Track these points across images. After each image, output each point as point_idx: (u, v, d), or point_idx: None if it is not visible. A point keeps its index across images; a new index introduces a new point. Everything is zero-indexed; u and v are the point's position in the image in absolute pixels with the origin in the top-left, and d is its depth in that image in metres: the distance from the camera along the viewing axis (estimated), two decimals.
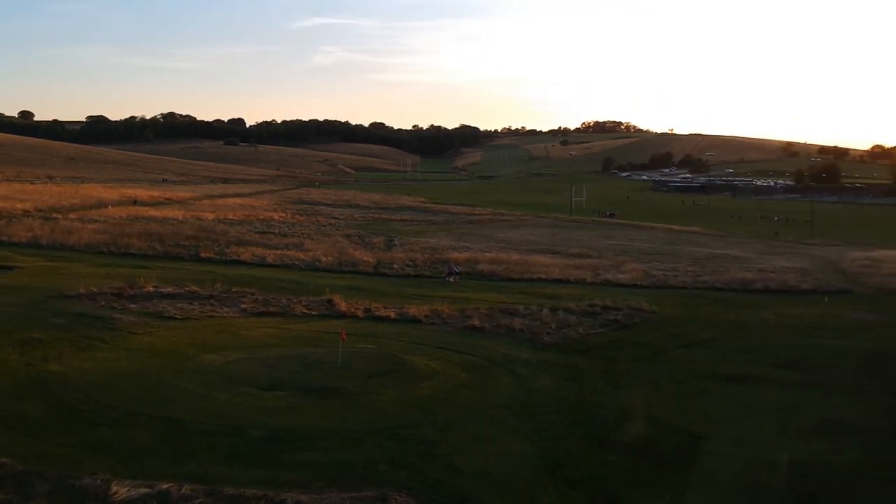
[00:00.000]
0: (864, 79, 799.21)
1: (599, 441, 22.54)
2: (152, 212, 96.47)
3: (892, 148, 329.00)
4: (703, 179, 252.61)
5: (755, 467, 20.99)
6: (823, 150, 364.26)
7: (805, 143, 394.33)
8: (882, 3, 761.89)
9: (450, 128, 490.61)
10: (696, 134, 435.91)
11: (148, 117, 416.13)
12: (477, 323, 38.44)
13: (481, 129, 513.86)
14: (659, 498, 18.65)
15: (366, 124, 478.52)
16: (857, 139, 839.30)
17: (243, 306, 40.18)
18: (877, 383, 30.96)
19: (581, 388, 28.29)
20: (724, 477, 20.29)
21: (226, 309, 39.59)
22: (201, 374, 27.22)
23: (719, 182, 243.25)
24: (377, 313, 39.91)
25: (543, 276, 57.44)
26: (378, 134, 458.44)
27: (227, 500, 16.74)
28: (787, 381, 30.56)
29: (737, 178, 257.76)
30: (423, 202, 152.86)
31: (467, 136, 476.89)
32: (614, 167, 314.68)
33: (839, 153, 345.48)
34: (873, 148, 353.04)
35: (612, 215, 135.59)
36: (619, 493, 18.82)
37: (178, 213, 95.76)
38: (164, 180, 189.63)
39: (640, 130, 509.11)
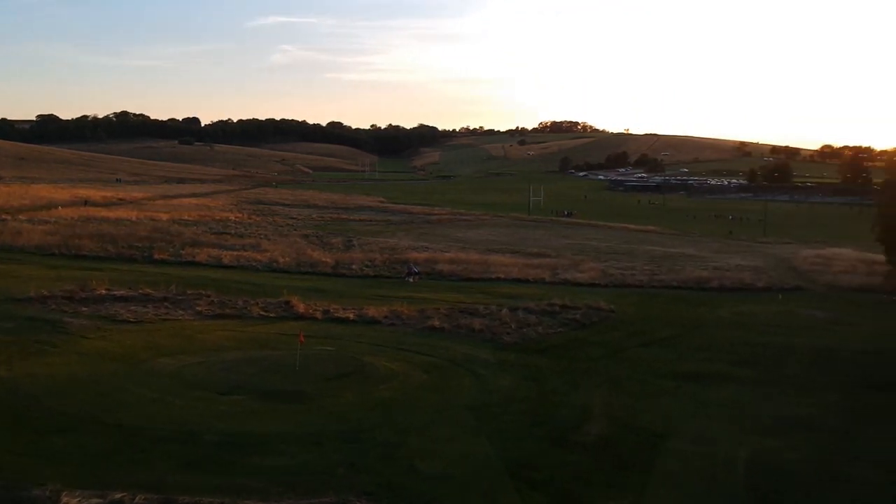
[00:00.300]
0: (814, 80, 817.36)
1: (560, 441, 22.54)
2: (105, 212, 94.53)
3: (841, 148, 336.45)
4: (658, 179, 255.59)
5: (714, 465, 21.16)
6: (775, 149, 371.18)
7: (758, 143, 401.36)
8: (829, 7, 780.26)
9: (408, 127, 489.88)
10: (651, 134, 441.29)
11: (101, 116, 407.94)
12: (437, 323, 38.29)
13: (440, 128, 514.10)
14: (620, 498, 18.67)
15: (323, 124, 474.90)
16: (808, 139, 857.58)
17: (199, 309, 39.48)
18: (828, 380, 31.52)
19: (541, 387, 28.30)
20: (683, 476, 20.40)
21: (181, 311, 38.86)
22: (155, 378, 26.65)
23: (674, 181, 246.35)
24: (336, 314, 39.53)
25: (503, 276, 57.51)
26: (336, 133, 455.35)
27: None
28: (744, 379, 30.96)
29: (691, 178, 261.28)
30: (382, 202, 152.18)
31: (426, 136, 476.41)
32: (571, 167, 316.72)
33: (790, 153, 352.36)
34: (823, 148, 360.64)
35: (569, 214, 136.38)
36: (581, 494, 18.81)
37: (131, 214, 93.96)
38: (118, 180, 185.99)
39: (597, 130, 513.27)
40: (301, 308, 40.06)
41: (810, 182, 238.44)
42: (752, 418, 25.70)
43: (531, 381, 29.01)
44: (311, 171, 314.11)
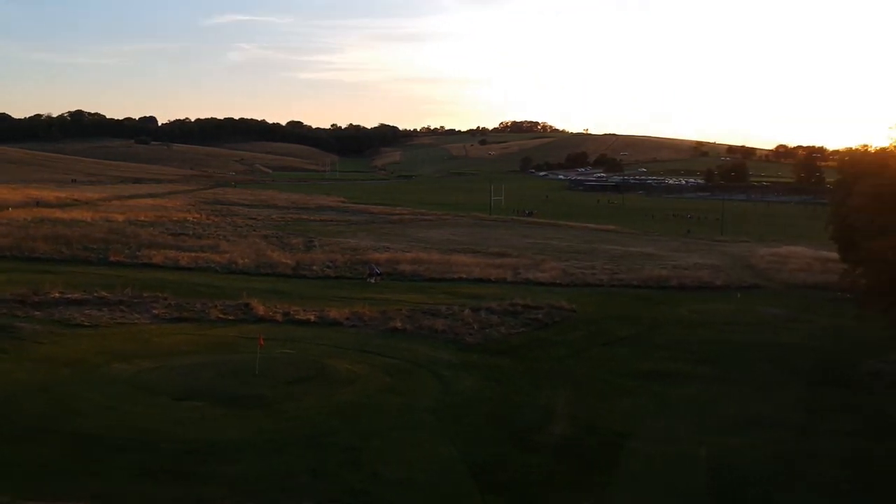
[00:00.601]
0: (769, 81, 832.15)
1: (523, 443, 22.48)
2: (59, 214, 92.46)
3: (795, 148, 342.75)
4: (617, 178, 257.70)
5: (676, 465, 21.27)
6: (732, 149, 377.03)
7: (714, 143, 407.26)
8: (782, 9, 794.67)
9: (369, 127, 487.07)
10: (610, 134, 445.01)
11: (55, 115, 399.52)
12: (399, 325, 38.06)
13: (400, 128, 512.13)
14: (582, 500, 18.65)
15: (283, 123, 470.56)
16: (763, 139, 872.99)
17: (155, 312, 38.74)
18: (787, 377, 31.96)
19: (504, 388, 28.25)
20: (646, 476, 20.47)
21: (137, 315, 38.11)
22: (111, 384, 26.04)
23: (633, 181, 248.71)
24: (296, 317, 39.08)
25: (464, 276, 57.39)
26: (296, 133, 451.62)
27: None
28: (704, 377, 31.25)
29: (650, 178, 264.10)
30: (343, 202, 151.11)
31: (386, 136, 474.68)
32: (532, 167, 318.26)
33: (746, 153, 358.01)
34: (778, 148, 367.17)
35: (530, 214, 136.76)
36: (544, 496, 18.78)
37: (86, 215, 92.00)
38: (73, 181, 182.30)
39: (557, 130, 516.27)
40: (261, 310, 39.51)
41: (766, 181, 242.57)
42: (713, 417, 25.92)
43: (494, 382, 28.94)
44: (270, 171, 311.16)
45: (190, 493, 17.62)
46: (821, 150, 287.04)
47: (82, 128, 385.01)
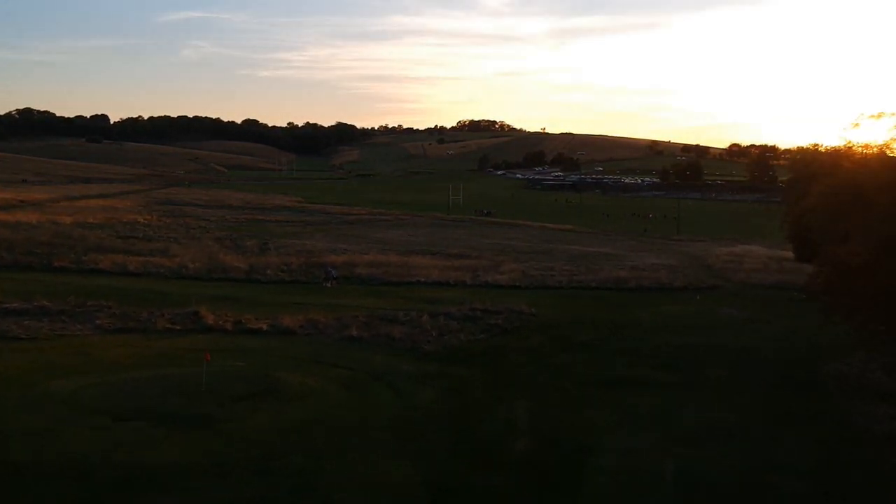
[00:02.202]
0: (722, 80, 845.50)
1: (484, 460, 21.51)
2: (3, 216, 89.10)
3: (748, 146, 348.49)
4: (574, 178, 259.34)
5: (641, 480, 20.50)
6: (686, 148, 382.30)
7: (669, 142, 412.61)
8: (733, 10, 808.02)
9: (326, 126, 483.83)
10: (567, 133, 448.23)
11: (2, 114, 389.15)
12: (355, 332, 36.94)
13: (358, 127, 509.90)
14: None
15: (238, 121, 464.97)
16: (717, 138, 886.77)
17: (99, 322, 37.03)
18: (749, 382, 31.53)
19: (464, 400, 27.30)
20: (612, 495, 19.68)
21: (79, 326, 36.35)
22: (47, 404, 24.44)
23: (590, 180, 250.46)
24: (248, 325, 37.72)
25: (423, 279, 56.43)
26: (251, 131, 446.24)
27: None
28: (666, 384, 30.63)
29: (606, 177, 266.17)
30: (300, 202, 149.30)
31: (344, 134, 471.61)
32: (490, 166, 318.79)
33: (701, 152, 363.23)
34: (731, 147, 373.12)
35: (488, 214, 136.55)
36: None
37: (31, 217, 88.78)
38: (24, 181, 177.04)
39: (514, 129, 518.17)
40: (210, 319, 38.04)
41: (720, 180, 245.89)
42: (677, 427, 25.27)
43: (454, 394, 27.98)
44: (225, 170, 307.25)
45: None
46: (773, 149, 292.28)
47: (31, 126, 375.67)
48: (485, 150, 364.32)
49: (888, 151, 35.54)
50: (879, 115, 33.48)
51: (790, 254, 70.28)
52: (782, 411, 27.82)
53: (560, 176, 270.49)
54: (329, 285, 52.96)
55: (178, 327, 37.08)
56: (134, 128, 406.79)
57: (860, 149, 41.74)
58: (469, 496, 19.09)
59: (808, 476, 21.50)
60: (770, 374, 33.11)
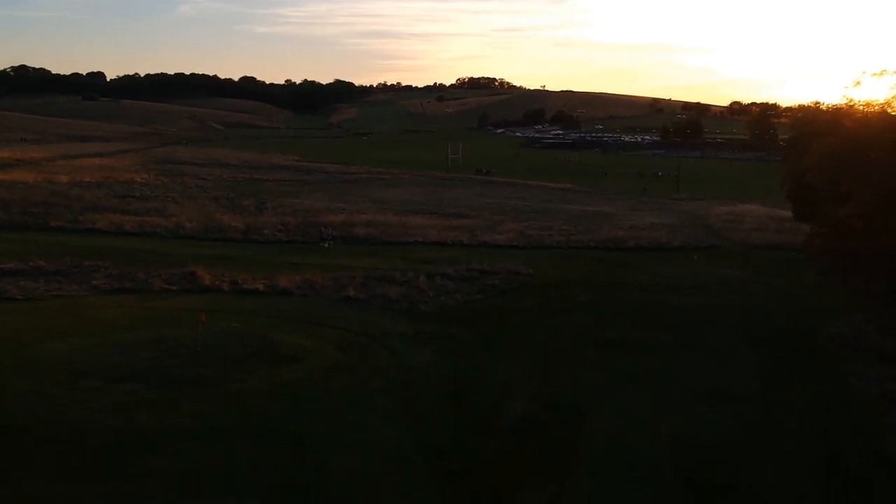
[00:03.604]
0: (723, 36, 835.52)
1: (480, 424, 21.48)
2: None
3: (749, 104, 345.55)
4: (574, 136, 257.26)
5: (639, 445, 20.49)
6: (687, 106, 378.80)
7: (670, 100, 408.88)
8: None
9: (324, 83, 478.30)
10: (567, 91, 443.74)
11: None
12: (352, 293, 36.80)
13: (356, 84, 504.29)
14: (542, 488, 17.76)
15: (235, 79, 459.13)
16: (718, 96, 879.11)
17: (95, 283, 36.84)
18: (747, 343, 31.49)
19: (460, 362, 27.23)
20: (609, 458, 19.64)
21: (75, 286, 36.17)
22: (41, 366, 24.34)
23: (590, 138, 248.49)
24: (245, 286, 37.55)
25: (421, 239, 56.20)
26: (249, 89, 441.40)
27: None
28: (664, 346, 30.58)
29: (606, 135, 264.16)
30: (297, 160, 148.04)
31: (342, 92, 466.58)
32: (489, 124, 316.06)
33: (701, 109, 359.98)
34: (732, 104, 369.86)
35: (487, 172, 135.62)
36: (502, 485, 17.79)
37: (28, 177, 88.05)
38: (23, 140, 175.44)
39: (514, 87, 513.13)
40: (207, 279, 37.87)
41: (720, 138, 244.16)
42: (675, 390, 25.25)
43: (450, 356, 27.91)
44: (223, 128, 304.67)
45: (120, 490, 16.28)
46: (774, 106, 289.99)
47: (27, 83, 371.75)
48: (484, 108, 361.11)
49: (889, 110, 35.09)
50: (881, 73, 32.95)
51: (790, 213, 69.99)
52: (779, 373, 27.83)
53: (560, 134, 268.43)
54: (327, 245, 52.74)
55: (174, 288, 36.92)
56: (130, 85, 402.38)
57: (861, 107, 41.19)
58: (465, 458, 19.04)
59: (804, 439, 21.53)
60: (768, 335, 33.06)
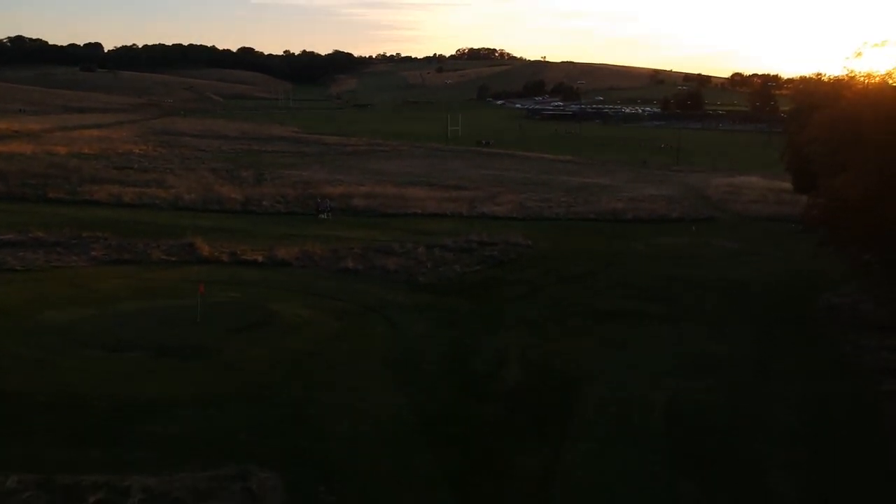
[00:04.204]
0: (725, 6, 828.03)
1: (476, 391, 21.75)
2: None
3: (750, 76, 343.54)
4: (574, 107, 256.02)
5: (631, 412, 20.74)
6: (688, 77, 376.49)
7: (671, 71, 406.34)
8: None
9: (323, 54, 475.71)
10: (567, 62, 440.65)
11: None
12: (350, 264, 36.91)
13: (356, 55, 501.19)
14: (536, 452, 18.01)
15: (234, 49, 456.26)
16: (719, 67, 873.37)
17: (94, 254, 36.94)
18: (742, 314, 31.70)
19: (457, 332, 27.43)
20: (602, 425, 19.89)
21: (74, 257, 36.27)
22: (41, 335, 24.54)
23: (590, 110, 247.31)
24: (244, 257, 37.65)
25: (419, 211, 56.26)
26: (247, 60, 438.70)
27: (61, 491, 14.80)
28: (660, 316, 30.79)
29: (606, 106, 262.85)
30: (296, 132, 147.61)
31: (341, 63, 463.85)
32: (489, 95, 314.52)
33: (702, 81, 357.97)
34: (733, 76, 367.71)
35: (487, 144, 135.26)
36: (496, 449, 18.06)
37: (26, 148, 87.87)
38: (21, 111, 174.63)
39: (514, 58, 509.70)
40: (206, 251, 37.98)
41: (721, 110, 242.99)
42: (669, 359, 25.47)
43: (447, 326, 28.11)
44: (221, 100, 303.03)
45: (121, 456, 16.52)
46: (776, 78, 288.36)
47: (24, 54, 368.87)
48: (484, 79, 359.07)
49: (890, 81, 34.96)
50: (883, 44, 32.79)
51: (789, 185, 69.93)
52: (774, 343, 28.05)
53: (560, 106, 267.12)
54: (324, 217, 52.77)
55: (173, 259, 37.03)
56: (128, 56, 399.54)
57: (862, 78, 40.98)
58: (461, 426, 19.30)
59: (797, 407, 21.77)
60: (763, 306, 33.27)
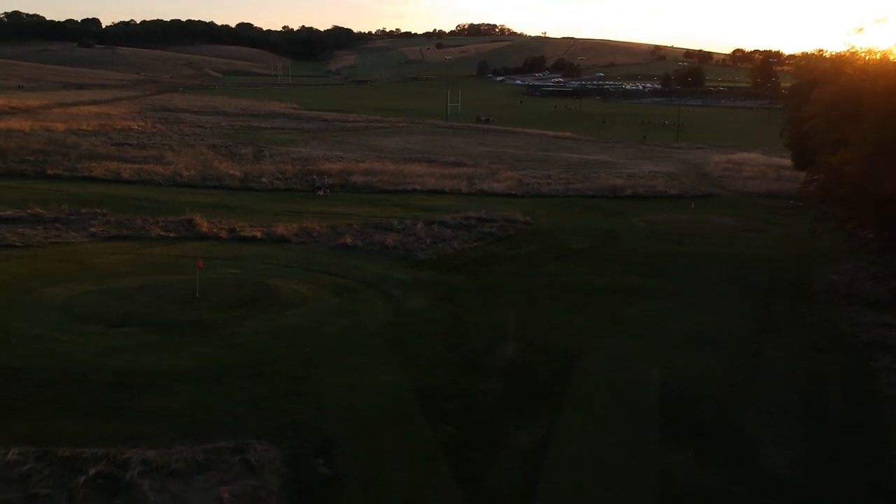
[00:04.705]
0: None
1: (473, 367, 21.88)
2: None
3: (752, 52, 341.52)
4: (574, 84, 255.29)
5: (627, 387, 20.89)
6: (689, 53, 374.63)
7: (672, 47, 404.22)
8: None
9: (322, 29, 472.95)
10: (568, 38, 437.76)
11: None
12: (349, 241, 36.96)
13: (355, 30, 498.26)
14: (531, 427, 18.16)
15: (233, 25, 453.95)
16: (721, 43, 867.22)
17: (93, 230, 36.96)
18: (739, 290, 31.84)
19: (455, 308, 27.55)
20: (597, 400, 20.05)
21: (73, 233, 36.30)
22: (41, 311, 24.61)
23: (590, 86, 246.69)
24: (242, 233, 37.68)
25: (418, 187, 56.29)
26: (246, 35, 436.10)
27: (61, 464, 14.93)
28: (658, 292, 30.94)
29: (607, 83, 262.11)
30: (295, 108, 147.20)
31: (340, 39, 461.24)
32: (489, 71, 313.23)
33: (703, 57, 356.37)
34: (735, 52, 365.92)
35: (487, 121, 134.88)
36: (493, 424, 18.22)
37: (24, 125, 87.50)
38: (20, 87, 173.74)
39: (515, 34, 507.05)
40: (204, 227, 38.01)
41: (722, 86, 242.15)
42: (666, 334, 25.62)
43: (445, 302, 28.22)
44: (220, 76, 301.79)
45: (120, 429, 16.65)
46: (777, 54, 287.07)
47: (20, 30, 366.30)
48: (484, 55, 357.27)
49: (891, 57, 34.85)
50: (884, 19, 32.63)
51: (789, 162, 69.90)
52: (770, 319, 28.21)
53: (560, 82, 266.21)
54: (322, 193, 52.74)
55: (172, 235, 37.06)
56: (126, 32, 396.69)
57: (863, 54, 40.74)
58: (457, 401, 19.42)
59: (792, 382, 21.92)
60: (760, 282, 33.41)
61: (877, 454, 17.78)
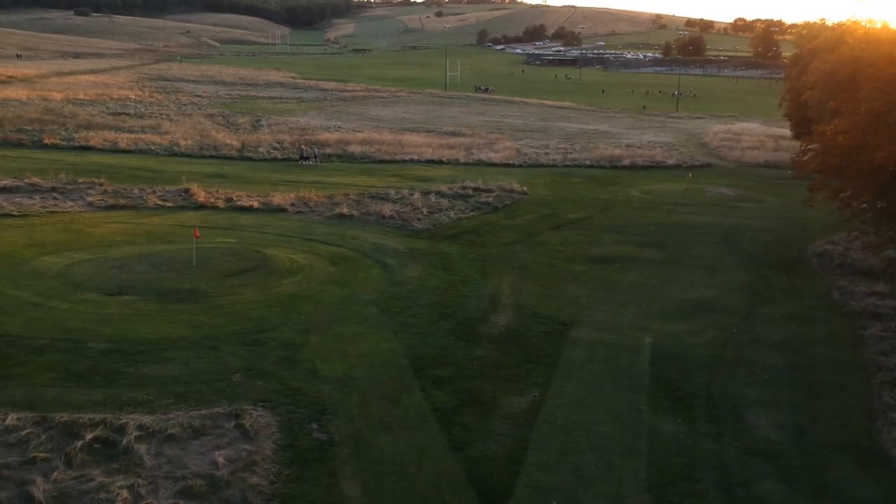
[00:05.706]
0: None
1: (467, 335, 22.11)
2: None
3: (753, 21, 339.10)
4: (575, 53, 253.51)
5: (619, 354, 21.15)
6: (690, 22, 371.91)
7: (673, 16, 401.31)
8: None
9: None
10: (569, 6, 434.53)
11: None
12: (346, 210, 37.08)
13: None
14: (523, 393, 18.43)
15: None
16: (722, 11, 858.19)
17: (90, 199, 37.06)
18: (733, 260, 32.00)
19: (450, 277, 27.73)
20: (589, 366, 20.31)
21: (70, 203, 36.43)
22: (38, 279, 24.80)
23: (591, 55, 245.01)
24: (239, 203, 37.81)
25: (416, 157, 56.23)
26: (244, 3, 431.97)
27: (59, 429, 15.19)
28: (652, 261, 31.14)
29: (608, 52, 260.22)
30: (294, 77, 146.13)
31: (339, 7, 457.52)
32: (489, 40, 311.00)
33: (705, 26, 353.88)
34: (736, 21, 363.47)
35: (486, 90, 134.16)
36: (486, 390, 18.47)
37: (21, 94, 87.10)
38: (19, 56, 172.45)
39: (515, 2, 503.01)
40: (202, 196, 38.10)
41: (723, 56, 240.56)
42: (659, 303, 25.86)
43: (441, 271, 28.39)
44: (218, 44, 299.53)
45: (117, 396, 16.91)
46: (779, 23, 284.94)
47: None
48: (484, 24, 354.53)
49: (891, 26, 34.76)
50: None
51: (788, 132, 69.79)
52: (764, 288, 28.39)
53: (561, 51, 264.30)
54: (311, 163, 52.36)
55: (169, 204, 37.17)
56: (124, 0, 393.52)
57: (864, 24, 40.62)
58: (451, 368, 19.67)
59: (782, 349, 22.15)
60: (755, 251, 33.58)
61: (861, 418, 18.05)
